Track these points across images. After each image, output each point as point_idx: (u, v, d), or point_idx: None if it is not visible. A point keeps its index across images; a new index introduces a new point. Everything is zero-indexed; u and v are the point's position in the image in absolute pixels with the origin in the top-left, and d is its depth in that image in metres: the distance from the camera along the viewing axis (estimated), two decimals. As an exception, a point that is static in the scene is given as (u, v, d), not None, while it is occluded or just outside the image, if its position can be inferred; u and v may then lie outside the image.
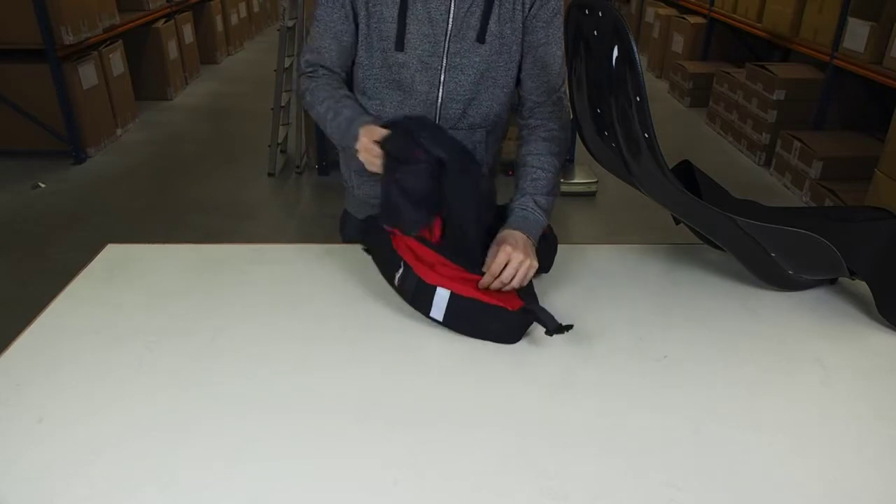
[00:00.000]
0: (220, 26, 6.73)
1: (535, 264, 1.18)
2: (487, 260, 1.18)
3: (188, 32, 5.88)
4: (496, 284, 1.16)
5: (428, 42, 1.25)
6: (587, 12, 1.09)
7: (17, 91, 3.99)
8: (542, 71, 1.33)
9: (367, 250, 1.38)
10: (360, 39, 1.30)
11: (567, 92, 1.34)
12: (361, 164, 1.24)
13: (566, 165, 3.96)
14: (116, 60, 4.55)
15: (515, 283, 1.16)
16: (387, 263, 1.27)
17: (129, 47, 4.80)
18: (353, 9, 1.27)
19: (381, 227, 1.26)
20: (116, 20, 4.49)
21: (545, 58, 1.31)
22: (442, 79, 1.29)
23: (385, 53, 1.28)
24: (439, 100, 1.31)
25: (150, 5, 5.07)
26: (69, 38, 3.88)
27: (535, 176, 1.30)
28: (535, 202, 1.28)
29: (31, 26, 3.74)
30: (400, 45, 1.25)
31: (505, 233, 1.23)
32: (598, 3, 1.06)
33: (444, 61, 1.27)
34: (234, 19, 7.22)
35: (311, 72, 1.36)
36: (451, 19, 1.24)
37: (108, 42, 4.44)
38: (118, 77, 4.56)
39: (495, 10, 1.25)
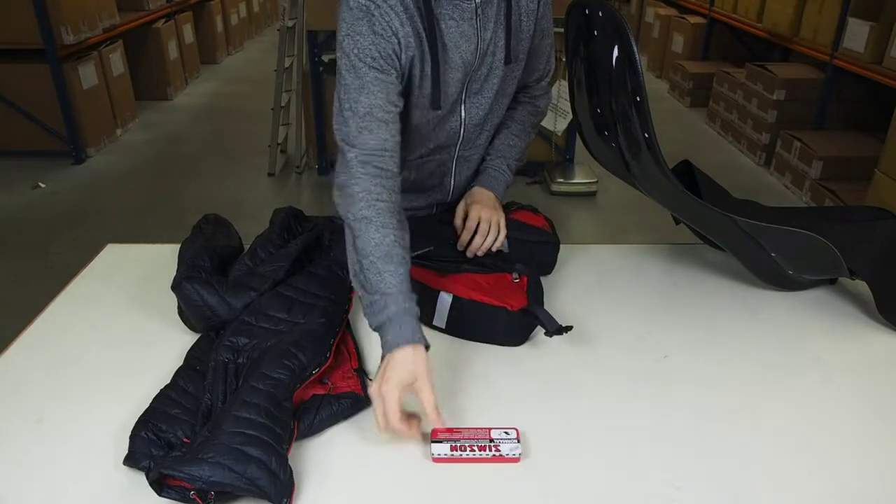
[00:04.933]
0: (220, 26, 6.72)
1: (503, 216, 1.26)
2: (457, 215, 1.26)
3: (188, 32, 5.88)
4: (476, 242, 1.22)
5: (459, 83, 1.18)
6: (587, 12, 1.09)
7: (17, 91, 3.99)
8: (534, 60, 1.31)
9: None
10: (412, 102, 1.15)
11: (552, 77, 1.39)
12: None
13: (566, 165, 3.97)
14: (116, 60, 4.55)
15: (490, 240, 1.23)
16: None
17: (129, 47, 4.80)
18: (403, 71, 1.11)
19: None
20: (116, 20, 4.49)
21: (539, 48, 1.29)
22: (464, 107, 1.22)
23: (425, 111, 1.17)
24: (462, 127, 1.25)
25: (150, 5, 5.06)
26: (69, 38, 3.88)
27: (511, 143, 1.35)
28: (507, 165, 1.34)
29: (31, 26, 3.74)
30: (436, 104, 1.15)
31: (474, 190, 1.31)
32: (599, 3, 1.06)
33: (466, 92, 1.21)
34: (234, 19, 7.21)
35: (369, 160, 1.08)
36: (478, 54, 1.16)
37: (108, 42, 4.44)
38: (118, 77, 4.56)
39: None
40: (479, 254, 1.23)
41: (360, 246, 1.05)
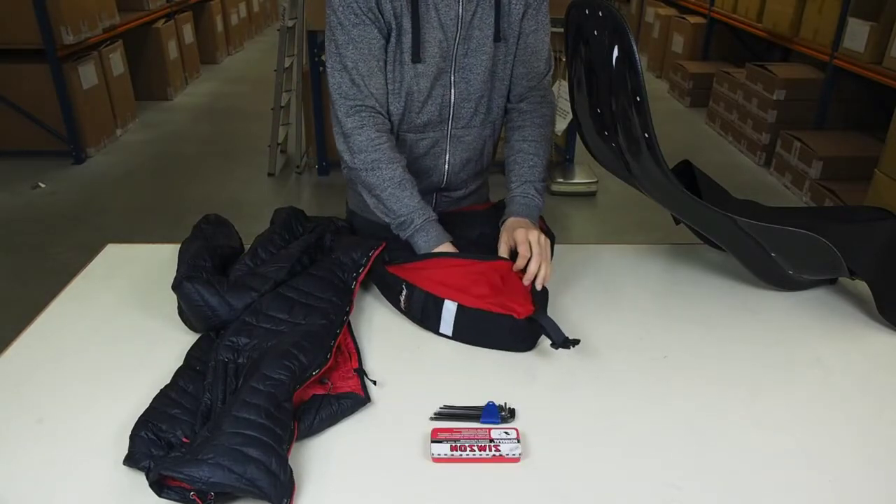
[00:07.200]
0: (220, 26, 6.73)
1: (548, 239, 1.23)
2: (501, 250, 1.23)
3: (188, 32, 5.88)
4: (542, 269, 1.18)
5: (441, 48, 1.24)
6: (587, 12, 1.08)
7: (17, 91, 3.99)
8: (532, 57, 1.35)
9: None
10: (388, 55, 1.24)
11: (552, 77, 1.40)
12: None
13: (566, 165, 3.97)
14: (116, 60, 4.55)
15: (543, 268, 1.19)
16: (388, 288, 1.25)
17: (129, 47, 4.80)
18: (386, 23, 1.21)
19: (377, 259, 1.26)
20: (116, 20, 4.49)
21: (535, 44, 1.34)
22: (453, 80, 1.29)
23: (407, 66, 1.25)
24: (452, 102, 1.31)
25: (150, 5, 5.07)
26: (69, 38, 3.88)
27: (532, 163, 1.35)
28: (535, 189, 1.33)
29: (31, 26, 3.74)
30: (417, 56, 1.23)
31: (511, 220, 1.28)
32: (599, 3, 1.06)
33: (454, 64, 1.27)
34: (234, 19, 7.22)
35: (362, 110, 1.24)
36: (459, 23, 1.24)
37: (108, 42, 4.44)
38: (118, 77, 4.56)
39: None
40: (541, 284, 1.18)
41: (373, 182, 1.24)
